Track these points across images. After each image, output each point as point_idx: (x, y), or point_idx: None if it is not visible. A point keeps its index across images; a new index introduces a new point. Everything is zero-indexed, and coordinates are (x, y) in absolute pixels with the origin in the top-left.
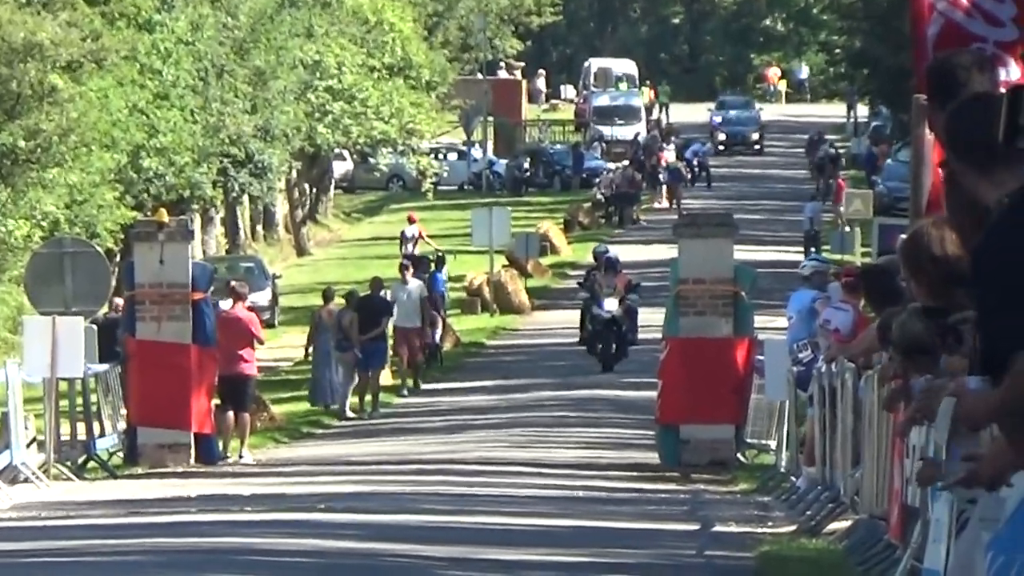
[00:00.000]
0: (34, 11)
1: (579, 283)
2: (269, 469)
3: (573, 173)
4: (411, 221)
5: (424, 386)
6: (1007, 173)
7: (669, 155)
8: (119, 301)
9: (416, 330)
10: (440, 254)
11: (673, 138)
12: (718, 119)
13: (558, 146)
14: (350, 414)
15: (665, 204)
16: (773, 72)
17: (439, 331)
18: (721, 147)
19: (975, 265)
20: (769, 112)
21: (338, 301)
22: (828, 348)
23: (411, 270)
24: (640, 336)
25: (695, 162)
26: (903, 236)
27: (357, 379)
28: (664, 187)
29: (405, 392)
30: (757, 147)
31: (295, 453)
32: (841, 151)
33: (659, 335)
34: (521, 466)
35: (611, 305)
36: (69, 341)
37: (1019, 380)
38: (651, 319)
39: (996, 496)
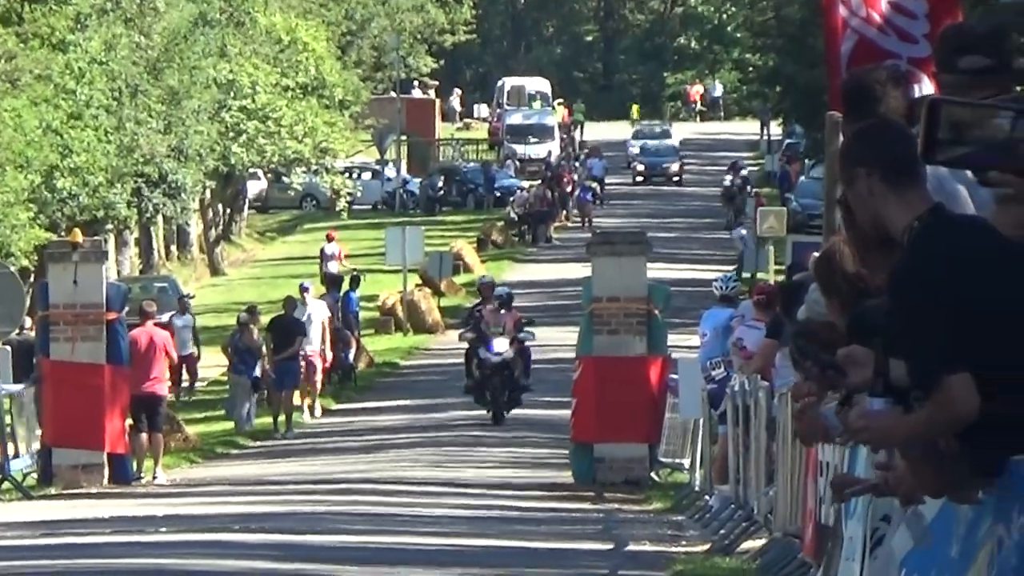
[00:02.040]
0: None
1: (463, 320)
2: (184, 489)
3: (485, 192)
4: (330, 239)
5: (337, 406)
6: (915, 193)
7: (577, 174)
8: (31, 321)
9: (317, 353)
10: (355, 273)
11: (596, 158)
12: (635, 149)
13: (472, 165)
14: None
15: (577, 223)
16: (696, 90)
17: (352, 351)
18: (640, 178)
19: (893, 290)
20: (684, 130)
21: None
22: (740, 367)
23: (309, 292)
24: (553, 356)
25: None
26: (816, 253)
27: (272, 399)
28: (576, 207)
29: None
30: (676, 179)
31: (210, 473)
32: (750, 172)
33: (572, 354)
34: (436, 486)
35: (501, 346)
36: None
37: (945, 403)
38: (565, 337)
39: (916, 511)
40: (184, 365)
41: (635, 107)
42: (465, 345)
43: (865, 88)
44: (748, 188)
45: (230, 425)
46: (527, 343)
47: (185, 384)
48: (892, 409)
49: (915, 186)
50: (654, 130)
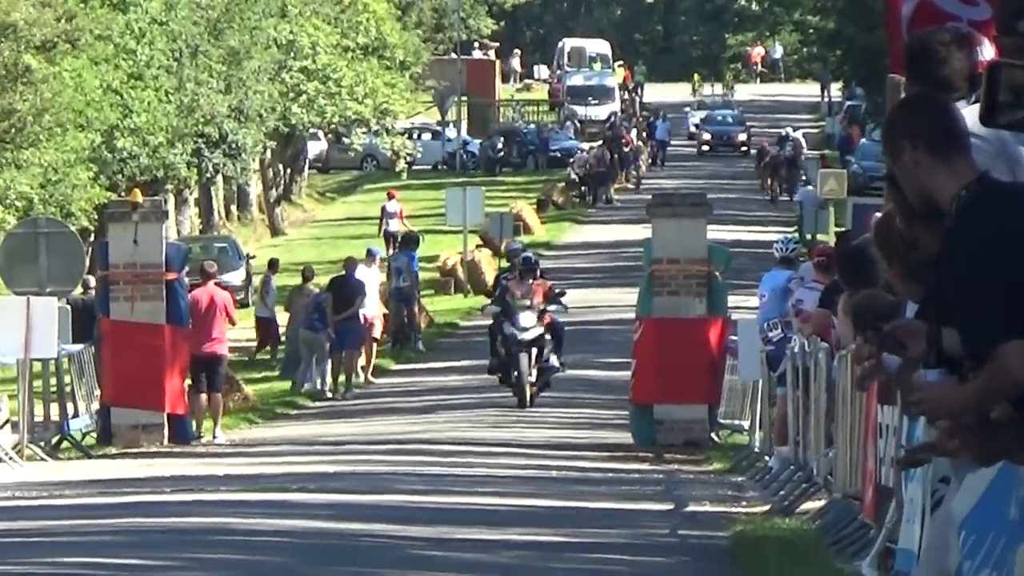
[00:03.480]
0: None
1: (487, 293)
2: (242, 449)
3: (539, 153)
4: (390, 197)
5: (397, 367)
6: (961, 162)
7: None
8: (93, 281)
9: (377, 316)
10: (414, 234)
11: (658, 118)
12: (696, 119)
13: (532, 126)
14: (328, 393)
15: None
16: (756, 51)
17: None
18: (706, 147)
19: (942, 260)
20: (744, 92)
21: (316, 281)
22: (799, 328)
23: (375, 258)
24: (613, 316)
25: (660, 141)
26: (877, 215)
27: (331, 358)
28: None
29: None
30: (744, 148)
31: (268, 433)
32: (806, 135)
33: (632, 315)
34: (496, 446)
35: (528, 321)
36: (43, 322)
37: (998, 372)
38: (625, 298)
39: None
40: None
41: (696, 76)
42: (489, 319)
43: (929, 49)
44: (801, 155)
45: (287, 385)
46: (558, 317)
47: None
48: (947, 379)
49: (960, 156)
50: (716, 101)
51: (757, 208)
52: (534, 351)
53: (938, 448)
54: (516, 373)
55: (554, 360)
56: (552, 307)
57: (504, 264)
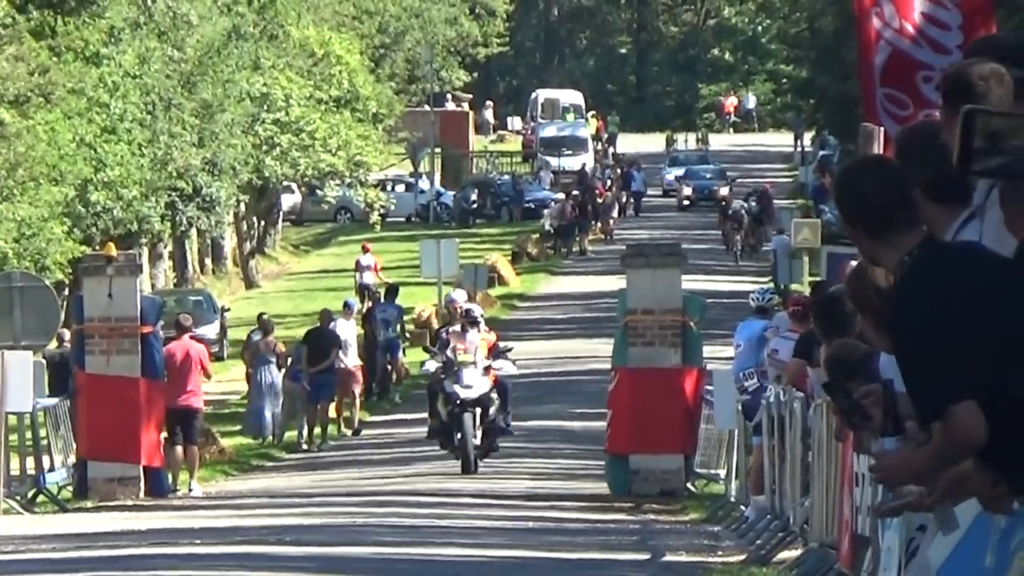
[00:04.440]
0: None
1: (425, 348)
2: (219, 502)
3: (513, 205)
4: (365, 250)
5: (372, 418)
6: (903, 237)
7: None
8: (67, 333)
9: (358, 367)
10: (390, 284)
11: (634, 169)
12: (676, 173)
13: (506, 177)
14: (304, 445)
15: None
16: (730, 101)
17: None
18: (687, 202)
19: (891, 327)
20: (717, 142)
21: (277, 333)
22: (778, 377)
23: (352, 311)
24: (588, 367)
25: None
26: (852, 263)
27: (307, 411)
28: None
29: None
30: (724, 203)
31: (245, 486)
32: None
33: (607, 366)
34: (472, 497)
35: (472, 378)
36: (18, 375)
37: (953, 434)
38: (600, 349)
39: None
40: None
41: (668, 132)
42: (428, 381)
43: (968, 83)
44: (770, 207)
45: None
46: (505, 373)
47: None
48: (904, 446)
49: (897, 232)
50: (690, 157)
51: (732, 258)
52: (478, 411)
53: (915, 505)
54: (460, 435)
55: (502, 421)
56: (498, 363)
57: (486, 312)
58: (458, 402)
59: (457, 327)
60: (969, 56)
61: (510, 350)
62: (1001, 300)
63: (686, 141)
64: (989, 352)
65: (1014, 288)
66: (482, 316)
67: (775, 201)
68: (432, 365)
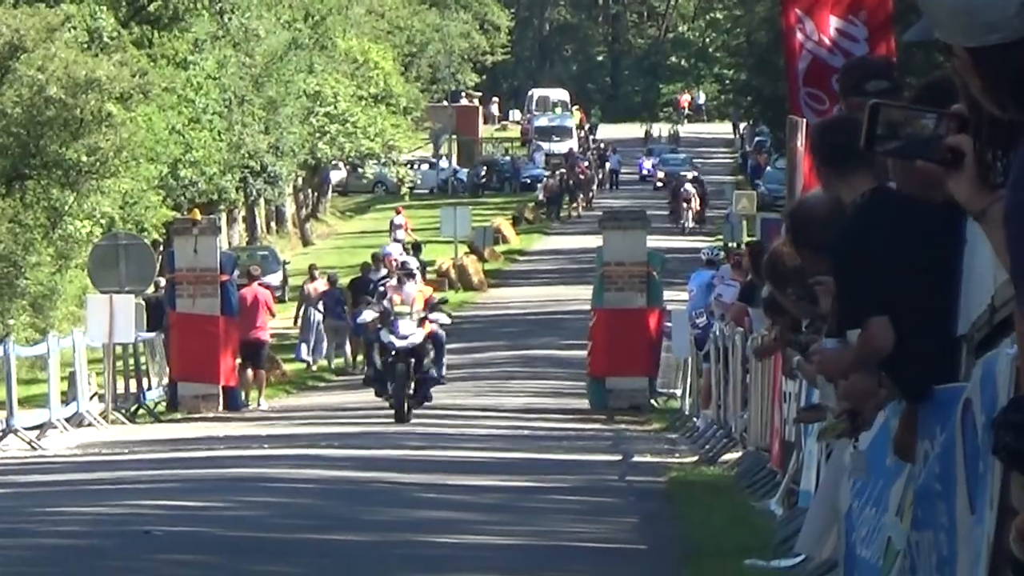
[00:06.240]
0: (93, 53)
1: (363, 300)
2: (281, 414)
3: (513, 180)
4: (398, 212)
5: None
6: (860, 176)
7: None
8: (162, 281)
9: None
10: (416, 242)
11: (610, 152)
12: (651, 162)
13: (507, 158)
14: (349, 369)
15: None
16: (685, 98)
17: None
18: (660, 183)
19: (831, 251)
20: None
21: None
22: (722, 316)
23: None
24: (574, 308)
25: (612, 170)
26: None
27: (352, 342)
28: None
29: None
30: (674, 186)
31: (302, 402)
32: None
33: (588, 307)
34: (480, 411)
35: (408, 329)
36: (123, 314)
37: (867, 341)
38: (582, 293)
39: (859, 450)
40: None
41: (644, 128)
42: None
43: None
44: (705, 188)
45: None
46: (440, 325)
47: None
48: (840, 346)
49: (857, 172)
50: (663, 148)
51: (679, 230)
52: (412, 361)
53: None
54: (392, 385)
55: (435, 372)
56: (434, 315)
57: (492, 264)
58: (393, 352)
59: (394, 280)
60: (846, 73)
61: (445, 302)
62: (918, 244)
63: (659, 131)
64: (902, 281)
65: (931, 237)
66: (418, 269)
67: (721, 177)
68: (368, 315)
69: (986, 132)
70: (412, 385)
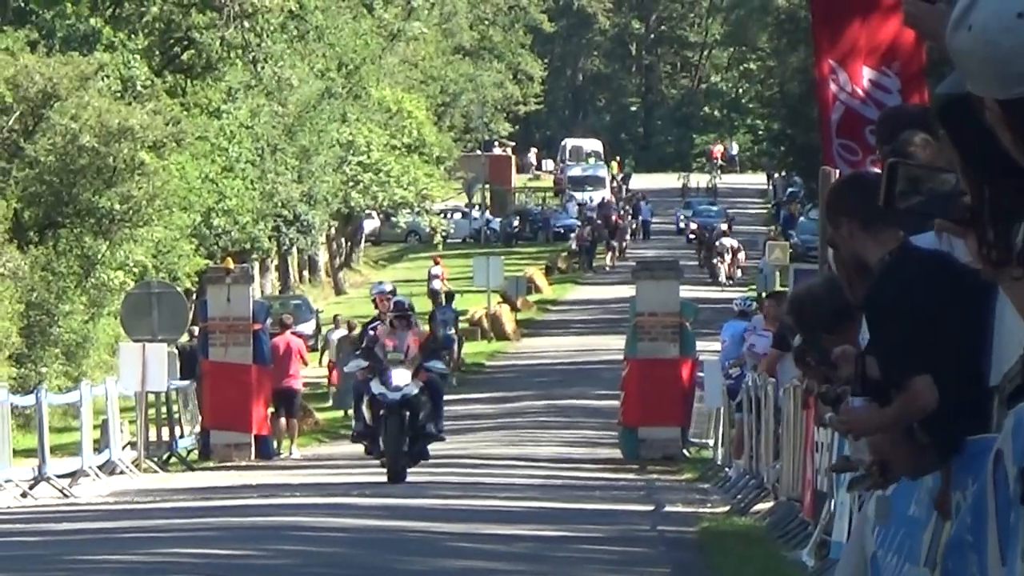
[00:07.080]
0: (127, 102)
1: (356, 351)
2: (313, 463)
3: (546, 229)
4: (436, 263)
5: None
6: (889, 233)
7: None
8: (195, 330)
9: None
10: (450, 291)
11: (642, 202)
12: (684, 214)
13: (540, 208)
14: None
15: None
16: (718, 149)
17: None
18: (692, 235)
19: (867, 310)
20: (705, 181)
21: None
22: (755, 367)
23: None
24: (606, 358)
25: (644, 220)
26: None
27: None
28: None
29: None
30: (704, 236)
31: (334, 450)
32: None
33: (621, 356)
34: (513, 460)
35: (401, 379)
36: (156, 362)
37: (911, 399)
38: (615, 343)
39: (883, 496)
40: None
41: (682, 181)
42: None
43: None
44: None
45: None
46: (436, 372)
47: None
48: (869, 406)
49: (886, 228)
50: (701, 201)
51: (716, 284)
52: (407, 414)
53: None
54: (385, 441)
55: (432, 426)
56: (429, 363)
57: (525, 314)
58: (385, 404)
59: (386, 324)
60: (882, 123)
61: (446, 348)
62: (954, 301)
63: (697, 183)
64: (939, 336)
65: (964, 292)
66: (411, 307)
67: (755, 227)
68: (356, 364)
69: (988, 210)
70: (407, 442)
